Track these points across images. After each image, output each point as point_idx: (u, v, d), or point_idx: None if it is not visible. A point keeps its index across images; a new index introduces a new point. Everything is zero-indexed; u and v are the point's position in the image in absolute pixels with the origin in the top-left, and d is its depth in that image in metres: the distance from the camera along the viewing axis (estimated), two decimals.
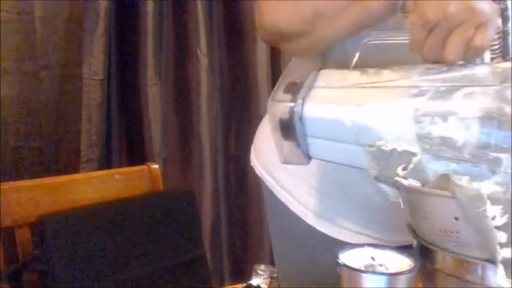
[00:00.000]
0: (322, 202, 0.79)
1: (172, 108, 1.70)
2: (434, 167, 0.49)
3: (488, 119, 0.44)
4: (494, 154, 0.44)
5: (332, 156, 0.58)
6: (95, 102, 1.53)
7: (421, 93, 0.49)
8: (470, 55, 0.50)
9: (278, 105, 0.58)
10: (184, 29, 1.65)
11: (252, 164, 0.89)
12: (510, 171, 0.44)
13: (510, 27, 0.54)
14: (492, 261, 0.46)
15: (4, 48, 1.44)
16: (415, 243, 0.55)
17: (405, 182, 0.50)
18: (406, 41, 0.53)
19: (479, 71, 0.48)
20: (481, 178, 0.46)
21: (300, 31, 0.65)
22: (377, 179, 0.55)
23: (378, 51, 0.58)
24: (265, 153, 0.86)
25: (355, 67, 0.58)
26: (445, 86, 0.48)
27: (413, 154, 0.49)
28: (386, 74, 0.54)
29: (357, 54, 0.58)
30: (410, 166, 0.50)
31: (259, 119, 0.91)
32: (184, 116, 1.70)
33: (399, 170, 0.51)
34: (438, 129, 0.47)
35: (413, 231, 0.56)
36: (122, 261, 1.03)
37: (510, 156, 0.44)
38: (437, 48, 0.50)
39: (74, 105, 1.55)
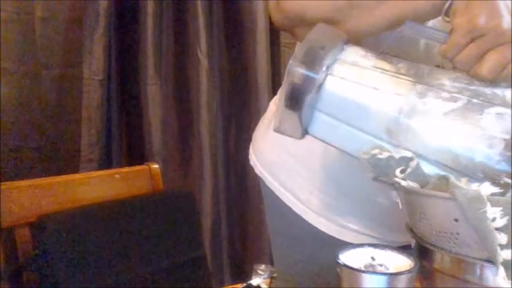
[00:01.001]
0: (325, 202, 0.78)
1: (172, 108, 1.70)
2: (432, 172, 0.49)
3: None
4: (506, 179, 0.44)
5: (334, 139, 0.55)
6: (95, 102, 1.53)
7: (452, 99, 0.48)
8: (504, 77, 0.49)
9: (297, 69, 0.52)
10: (184, 29, 1.65)
11: (251, 163, 0.88)
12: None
13: None
14: (491, 261, 0.46)
15: (4, 48, 1.44)
16: (413, 243, 0.55)
17: (404, 183, 0.50)
18: (440, 42, 0.51)
19: (509, 95, 0.48)
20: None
21: (330, 18, 0.60)
22: (375, 179, 0.55)
23: (406, 43, 0.56)
24: (265, 152, 0.85)
25: (382, 53, 0.55)
26: (478, 100, 0.48)
27: (411, 159, 0.49)
28: (418, 69, 0.52)
29: (388, 42, 0.54)
30: (409, 170, 0.50)
31: (259, 119, 0.91)
32: (184, 116, 1.70)
33: (397, 172, 0.51)
34: (461, 140, 0.46)
35: (412, 231, 0.56)
36: (121, 261, 1.03)
37: None
38: (474, 60, 0.49)
39: (74, 105, 1.55)
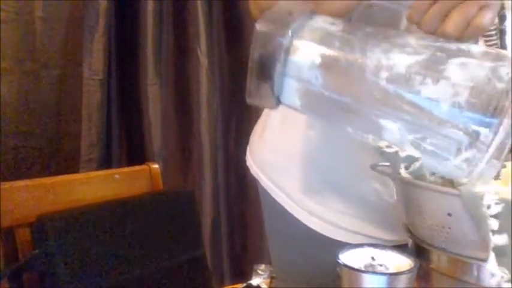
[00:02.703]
0: (317, 201, 0.79)
1: (172, 108, 1.70)
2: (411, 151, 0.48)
3: (479, 91, 0.44)
4: (475, 127, 0.44)
5: (306, 105, 0.53)
6: (95, 102, 1.53)
7: (416, 53, 0.48)
8: (469, 34, 0.50)
9: (264, 34, 0.51)
10: (184, 29, 1.65)
11: (247, 163, 0.89)
12: (484, 147, 0.44)
13: (507, 26, 0.54)
14: (486, 260, 0.46)
15: (4, 48, 1.44)
16: (410, 242, 0.56)
17: (403, 173, 0.51)
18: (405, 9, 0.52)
19: (475, 49, 0.48)
20: (445, 154, 0.46)
21: None
22: (372, 167, 0.56)
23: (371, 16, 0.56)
24: (260, 153, 0.86)
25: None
26: (442, 53, 0.48)
27: (415, 159, 0.50)
28: (386, 32, 0.53)
29: (357, 11, 0.55)
30: (411, 168, 0.50)
31: (259, 119, 0.91)
32: (184, 116, 1.70)
33: (401, 168, 0.51)
34: (427, 90, 0.46)
35: (409, 231, 0.56)
36: (121, 261, 1.03)
37: (490, 133, 0.43)
38: (437, 20, 0.50)
39: (74, 105, 1.55)
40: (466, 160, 0.45)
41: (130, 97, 1.64)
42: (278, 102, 0.54)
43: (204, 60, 1.65)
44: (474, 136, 0.44)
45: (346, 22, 0.54)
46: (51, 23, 1.52)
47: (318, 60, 0.50)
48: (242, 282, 1.27)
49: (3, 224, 0.94)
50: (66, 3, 1.54)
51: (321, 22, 0.53)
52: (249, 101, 0.56)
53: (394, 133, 0.48)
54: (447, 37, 0.50)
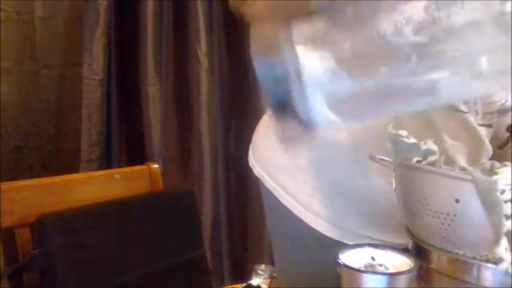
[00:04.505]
0: (324, 204, 0.78)
1: (172, 108, 1.70)
2: None
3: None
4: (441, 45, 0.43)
5: (343, 111, 0.49)
6: (95, 102, 1.53)
7: None
8: None
9: (264, 65, 0.49)
10: (184, 29, 1.65)
11: (250, 164, 0.88)
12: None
13: None
14: (485, 260, 0.46)
15: (4, 48, 1.44)
16: (410, 244, 0.56)
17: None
18: None
19: None
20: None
21: None
22: (371, 157, 0.56)
23: None
24: (264, 153, 0.85)
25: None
26: None
27: (434, 153, 0.50)
28: None
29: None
30: (424, 162, 0.50)
31: (259, 119, 0.90)
32: (184, 116, 1.70)
33: (414, 160, 0.52)
34: (458, 18, 0.44)
35: (408, 231, 0.56)
36: (121, 261, 1.03)
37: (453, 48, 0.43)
38: None
39: (74, 105, 1.55)
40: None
41: (131, 97, 1.64)
42: (312, 127, 0.50)
43: (204, 60, 1.65)
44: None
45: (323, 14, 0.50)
46: (51, 23, 1.52)
47: (328, 59, 0.47)
48: (242, 282, 1.26)
49: (3, 224, 0.94)
50: (66, 3, 1.54)
51: (302, 29, 0.50)
52: (282, 142, 0.53)
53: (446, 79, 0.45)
54: None
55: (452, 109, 0.69)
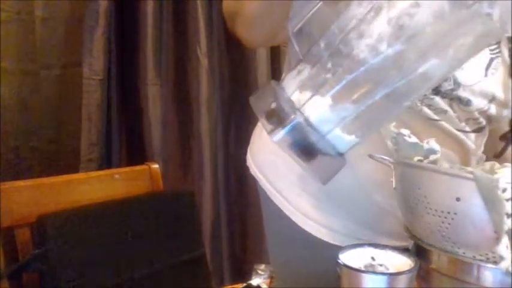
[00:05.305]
0: (313, 204, 0.78)
1: (172, 108, 1.70)
2: None
3: None
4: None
5: (360, 131, 0.50)
6: (95, 102, 1.53)
7: None
8: None
9: (278, 135, 0.49)
10: (184, 29, 1.65)
11: (247, 163, 0.89)
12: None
13: None
14: (485, 259, 0.46)
15: (4, 48, 1.44)
16: (411, 244, 0.56)
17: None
18: None
19: None
20: None
21: (234, 10, 0.66)
22: (371, 156, 0.56)
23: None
24: (259, 154, 0.86)
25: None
26: None
27: (435, 153, 0.50)
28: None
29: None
30: (426, 161, 0.50)
31: (258, 119, 0.91)
32: (184, 116, 1.70)
33: (415, 160, 0.52)
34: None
35: (409, 231, 0.56)
36: (121, 261, 1.03)
37: None
38: None
39: (74, 105, 1.55)
40: None
41: (130, 97, 1.64)
42: (342, 156, 0.51)
43: (204, 60, 1.65)
44: None
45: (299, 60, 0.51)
46: (51, 23, 1.52)
47: (325, 97, 0.48)
48: (242, 282, 1.26)
49: (3, 224, 0.94)
50: (66, 3, 1.54)
51: (292, 81, 0.50)
52: (325, 183, 0.53)
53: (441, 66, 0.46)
54: None
55: (425, 118, 0.69)
